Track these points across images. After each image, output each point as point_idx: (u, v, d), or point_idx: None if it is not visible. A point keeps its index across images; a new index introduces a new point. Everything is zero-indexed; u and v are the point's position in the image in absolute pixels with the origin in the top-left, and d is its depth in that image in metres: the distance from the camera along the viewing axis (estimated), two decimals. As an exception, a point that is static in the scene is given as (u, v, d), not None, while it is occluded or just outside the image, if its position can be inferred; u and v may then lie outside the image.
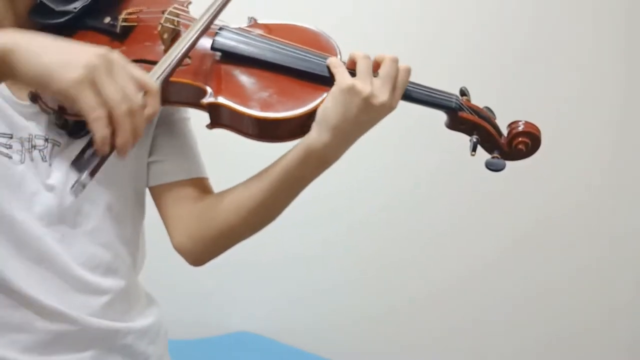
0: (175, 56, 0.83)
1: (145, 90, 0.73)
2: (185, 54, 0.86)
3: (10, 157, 0.90)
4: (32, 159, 0.91)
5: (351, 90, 0.87)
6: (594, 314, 2.24)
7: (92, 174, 0.71)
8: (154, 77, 0.79)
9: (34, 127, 0.92)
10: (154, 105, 0.74)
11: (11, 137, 0.90)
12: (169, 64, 0.82)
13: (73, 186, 0.70)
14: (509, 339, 2.24)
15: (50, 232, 0.92)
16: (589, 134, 2.17)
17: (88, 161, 0.71)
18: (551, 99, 2.11)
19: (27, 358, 0.92)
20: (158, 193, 1.05)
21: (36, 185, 0.91)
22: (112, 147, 0.70)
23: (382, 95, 0.88)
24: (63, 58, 0.70)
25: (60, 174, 0.93)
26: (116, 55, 0.72)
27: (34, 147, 0.92)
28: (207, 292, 2.10)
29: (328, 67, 0.92)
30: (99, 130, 0.69)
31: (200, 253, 1.04)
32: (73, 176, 0.91)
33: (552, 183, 2.16)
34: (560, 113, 2.11)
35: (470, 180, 1.99)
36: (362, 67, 0.89)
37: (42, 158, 0.92)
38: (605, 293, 2.24)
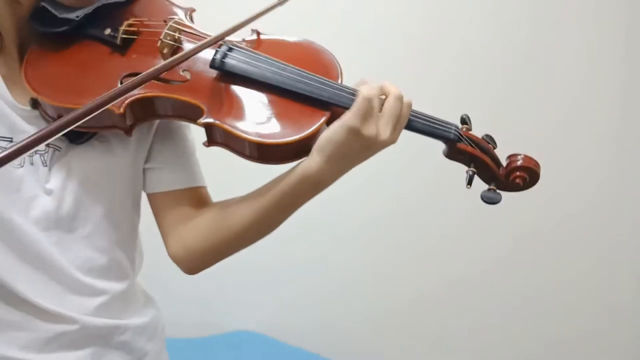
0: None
1: None
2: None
3: None
4: (32, 163, 0.92)
5: (357, 132, 0.86)
6: (595, 315, 2.23)
7: None
8: None
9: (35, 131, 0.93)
10: None
11: (11, 141, 0.91)
12: None
13: None
14: (508, 341, 2.23)
15: (46, 237, 0.93)
16: (589, 138, 2.15)
17: None
18: (552, 101, 2.10)
19: (26, 355, 0.94)
20: (154, 200, 1.05)
21: (35, 189, 0.92)
22: None
23: (384, 134, 0.88)
24: None
25: (59, 178, 0.93)
26: None
27: (35, 151, 0.92)
28: (207, 292, 2.10)
29: (338, 91, 0.91)
30: None
31: (194, 263, 1.05)
32: (71, 182, 0.93)
33: (552, 187, 2.11)
34: (561, 116, 2.09)
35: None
36: (371, 109, 0.87)
37: (43, 162, 0.93)
38: (605, 296, 2.23)
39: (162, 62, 0.92)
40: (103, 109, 0.67)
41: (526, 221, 2.15)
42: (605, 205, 2.20)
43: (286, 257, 2.12)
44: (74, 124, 0.64)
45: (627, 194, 2.20)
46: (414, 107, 0.93)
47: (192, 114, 0.91)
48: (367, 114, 0.86)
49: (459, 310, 2.22)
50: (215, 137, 0.92)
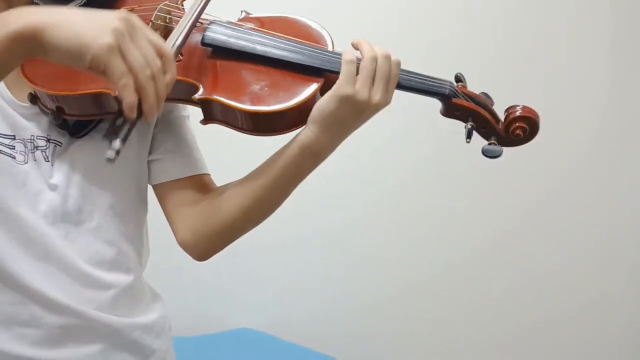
0: (186, 24, 0.86)
1: (161, 56, 0.73)
2: (194, 24, 0.88)
3: (13, 158, 0.92)
4: (34, 159, 0.93)
5: (349, 98, 0.88)
6: (587, 302, 2.25)
7: (124, 140, 0.71)
8: (169, 45, 0.81)
9: (35, 128, 0.94)
10: (172, 70, 0.74)
11: (14, 138, 0.93)
12: (181, 32, 0.85)
13: (107, 154, 0.70)
14: (502, 327, 2.25)
15: (54, 230, 0.94)
16: (582, 107, 2.16)
17: (119, 129, 0.72)
18: (547, 68, 2.11)
19: (35, 352, 0.94)
20: (160, 191, 1.06)
21: (40, 184, 0.93)
22: (139, 114, 0.72)
23: (376, 96, 0.89)
24: (91, 27, 0.69)
25: (62, 173, 0.95)
26: (136, 19, 0.72)
27: (36, 147, 0.94)
28: (207, 289, 2.10)
29: (327, 56, 0.93)
30: (128, 96, 0.69)
31: (204, 248, 1.05)
32: (74, 176, 0.95)
33: (544, 173, 2.15)
34: (555, 97, 2.10)
35: (465, 169, 2.00)
36: (362, 72, 0.89)
37: (45, 158, 0.94)
38: (598, 281, 2.24)
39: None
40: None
41: (519, 206, 2.17)
42: (597, 194, 2.21)
43: (285, 256, 2.13)
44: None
45: (620, 179, 2.21)
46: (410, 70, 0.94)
47: (186, 93, 0.92)
48: (355, 78, 0.88)
49: (460, 298, 2.22)
50: (211, 113, 0.93)
